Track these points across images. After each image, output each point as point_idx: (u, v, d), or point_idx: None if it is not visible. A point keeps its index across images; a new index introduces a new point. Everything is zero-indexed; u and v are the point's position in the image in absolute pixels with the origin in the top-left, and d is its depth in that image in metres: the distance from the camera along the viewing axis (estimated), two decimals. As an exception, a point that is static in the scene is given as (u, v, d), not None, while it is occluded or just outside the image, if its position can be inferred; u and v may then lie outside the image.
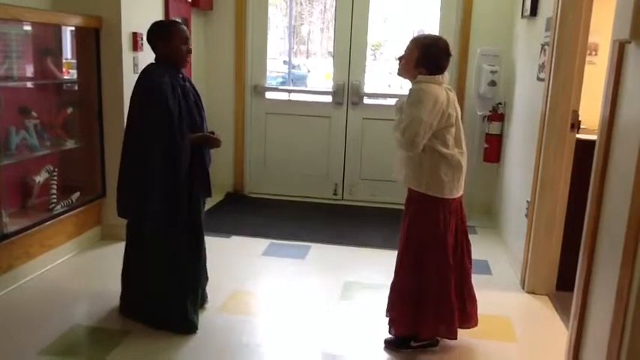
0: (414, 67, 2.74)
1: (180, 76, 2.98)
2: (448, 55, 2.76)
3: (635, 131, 2.02)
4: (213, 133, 3.08)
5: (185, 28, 3.00)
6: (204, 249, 3.14)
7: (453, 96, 2.78)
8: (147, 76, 2.88)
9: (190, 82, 3.05)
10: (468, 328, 2.94)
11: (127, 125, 2.96)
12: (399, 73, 2.86)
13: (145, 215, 2.88)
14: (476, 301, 2.97)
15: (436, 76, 2.72)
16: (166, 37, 2.90)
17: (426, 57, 2.71)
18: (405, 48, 2.81)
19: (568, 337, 2.67)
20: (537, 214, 3.60)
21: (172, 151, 2.81)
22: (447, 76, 2.78)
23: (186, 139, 2.85)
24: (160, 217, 2.88)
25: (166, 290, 2.98)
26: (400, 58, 2.82)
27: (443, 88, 2.73)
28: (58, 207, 3.79)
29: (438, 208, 2.75)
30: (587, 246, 2.46)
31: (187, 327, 2.99)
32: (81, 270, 3.76)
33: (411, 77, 2.78)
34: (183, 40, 2.93)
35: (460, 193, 2.82)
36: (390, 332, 2.93)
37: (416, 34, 2.84)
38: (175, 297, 2.98)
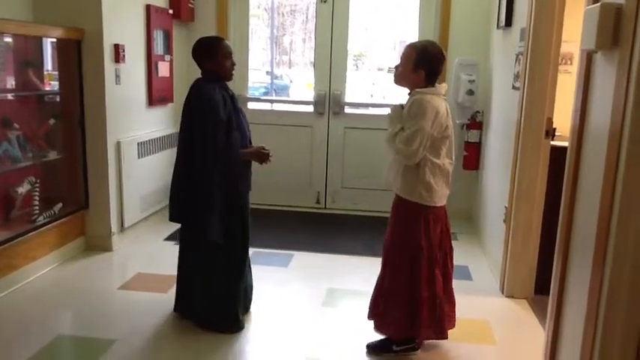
0: (412, 70, 2.77)
1: (228, 90, 3.08)
2: (443, 57, 2.83)
3: (603, 137, 2.09)
4: (263, 148, 3.19)
5: (228, 43, 3.10)
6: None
7: (448, 106, 2.84)
8: (197, 90, 2.98)
9: (234, 94, 3.15)
10: (449, 328, 2.99)
11: (181, 137, 3.03)
12: (396, 81, 2.89)
13: (208, 225, 2.96)
14: (455, 303, 3.03)
15: (436, 87, 2.79)
16: (210, 53, 3.01)
17: (423, 57, 2.76)
18: (400, 55, 2.85)
19: (545, 338, 2.74)
20: (515, 220, 3.67)
21: (224, 161, 2.94)
22: (445, 86, 2.86)
23: (235, 151, 2.99)
24: (219, 226, 2.99)
25: (219, 292, 3.11)
26: (397, 66, 2.86)
27: (442, 99, 2.80)
28: (41, 218, 3.80)
29: (428, 215, 2.81)
30: (561, 249, 2.53)
31: (238, 327, 3.15)
32: (64, 280, 3.76)
33: (409, 83, 2.81)
34: (226, 56, 3.04)
35: (445, 201, 2.89)
36: (388, 336, 2.97)
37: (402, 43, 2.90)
38: (226, 299, 3.12)
